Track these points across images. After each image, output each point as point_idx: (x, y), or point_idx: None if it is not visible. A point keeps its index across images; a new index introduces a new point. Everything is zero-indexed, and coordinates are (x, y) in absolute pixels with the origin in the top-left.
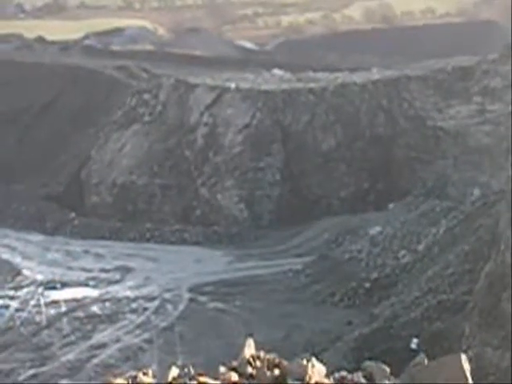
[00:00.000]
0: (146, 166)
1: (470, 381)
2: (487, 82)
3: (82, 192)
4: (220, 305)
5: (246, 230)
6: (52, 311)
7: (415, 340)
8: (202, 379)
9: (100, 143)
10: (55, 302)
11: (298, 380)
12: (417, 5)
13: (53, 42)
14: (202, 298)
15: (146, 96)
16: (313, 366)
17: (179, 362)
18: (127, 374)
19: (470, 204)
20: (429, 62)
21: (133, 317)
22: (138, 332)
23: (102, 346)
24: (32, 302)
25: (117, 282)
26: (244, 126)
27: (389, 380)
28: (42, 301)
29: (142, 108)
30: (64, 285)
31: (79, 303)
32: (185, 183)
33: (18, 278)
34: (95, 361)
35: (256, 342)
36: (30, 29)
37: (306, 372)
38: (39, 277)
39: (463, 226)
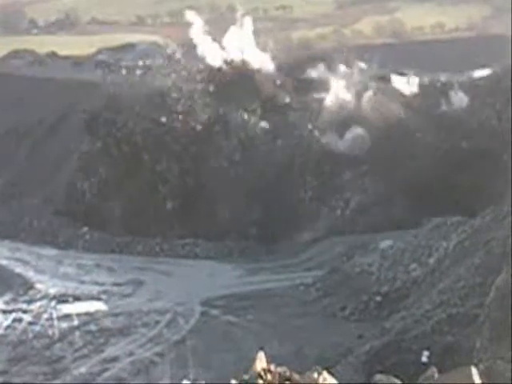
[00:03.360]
0: None
1: None
2: None
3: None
4: (232, 318)
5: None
6: (64, 325)
7: (426, 353)
8: None
9: None
10: (68, 316)
11: None
12: (427, 20)
13: (65, 58)
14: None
15: None
16: (324, 379)
17: (191, 376)
18: None
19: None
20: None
21: (145, 330)
22: (149, 345)
23: (114, 359)
24: (45, 316)
25: (129, 295)
26: None
27: None
28: (55, 314)
29: None
30: (76, 298)
31: (91, 317)
32: None
33: (31, 292)
34: (107, 374)
35: (267, 356)
36: (42, 44)
37: None
38: (52, 290)
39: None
